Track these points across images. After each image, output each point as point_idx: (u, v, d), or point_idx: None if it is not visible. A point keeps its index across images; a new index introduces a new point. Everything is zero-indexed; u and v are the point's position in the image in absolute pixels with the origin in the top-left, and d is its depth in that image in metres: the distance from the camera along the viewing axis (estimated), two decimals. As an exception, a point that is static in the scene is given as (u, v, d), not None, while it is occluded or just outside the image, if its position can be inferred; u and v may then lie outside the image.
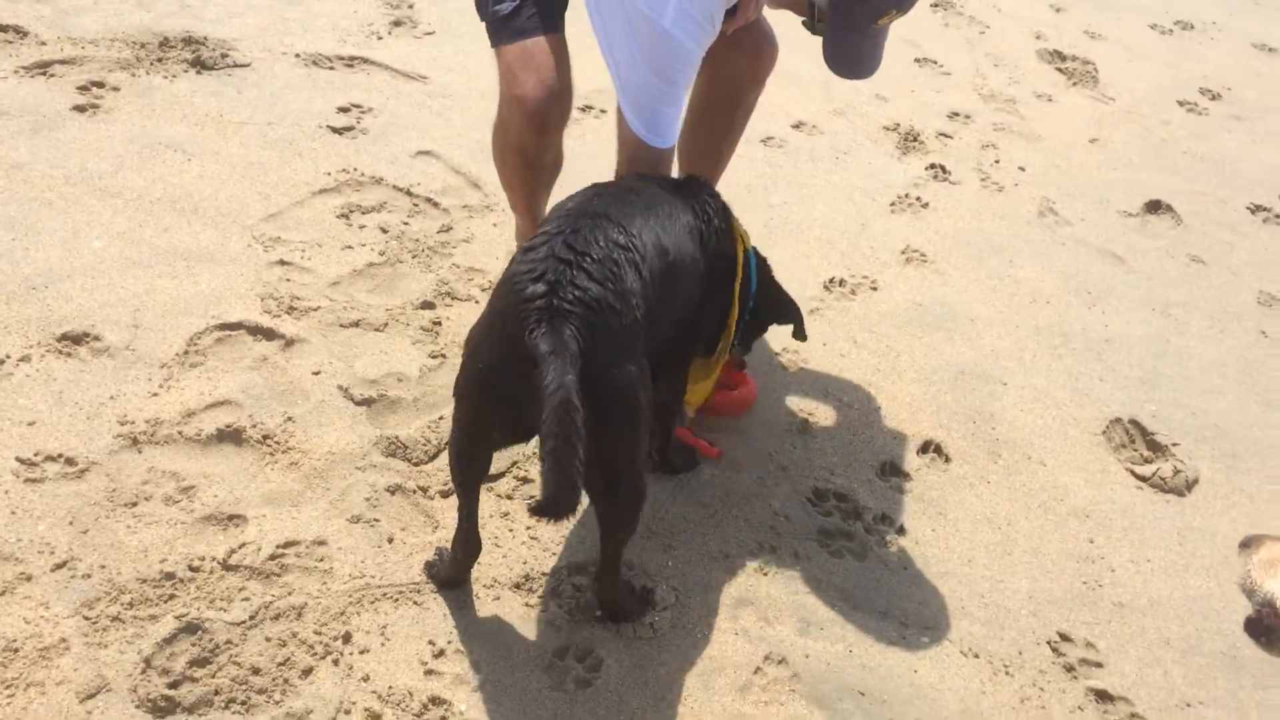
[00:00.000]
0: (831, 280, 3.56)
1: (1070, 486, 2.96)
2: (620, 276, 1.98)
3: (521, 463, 2.63)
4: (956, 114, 4.74)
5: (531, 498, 2.56)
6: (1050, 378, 3.36)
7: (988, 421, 3.12)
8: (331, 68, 4.04)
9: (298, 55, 4.04)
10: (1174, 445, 3.17)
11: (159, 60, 3.81)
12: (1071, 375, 3.38)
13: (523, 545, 2.45)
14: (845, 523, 2.69)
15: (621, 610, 2.31)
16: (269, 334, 2.84)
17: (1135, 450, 3.18)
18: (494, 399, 1.96)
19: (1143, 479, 3.06)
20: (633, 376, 1.98)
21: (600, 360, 1.87)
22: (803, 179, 4.08)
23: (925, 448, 2.98)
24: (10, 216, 3.02)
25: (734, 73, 2.98)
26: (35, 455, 2.37)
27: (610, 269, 1.96)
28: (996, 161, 4.44)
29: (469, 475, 2.16)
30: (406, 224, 3.35)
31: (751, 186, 3.95)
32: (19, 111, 3.41)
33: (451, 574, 2.31)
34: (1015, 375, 3.33)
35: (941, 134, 4.55)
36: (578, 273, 1.89)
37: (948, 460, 2.96)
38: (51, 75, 3.61)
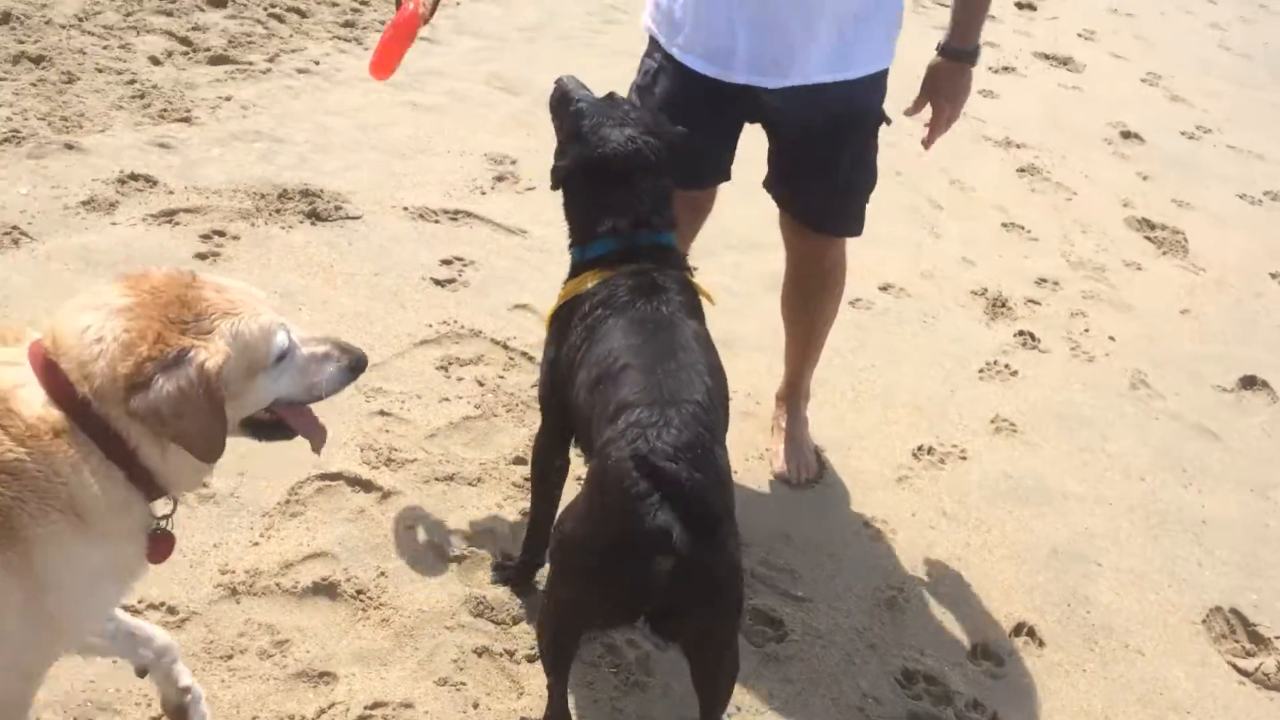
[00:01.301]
0: (920, 448, 3.55)
1: (1170, 679, 2.86)
2: (713, 460, 2.05)
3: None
4: (1044, 280, 4.76)
5: (617, 666, 2.55)
6: (1146, 560, 3.28)
7: (1083, 605, 3.05)
8: (437, 221, 4.21)
9: (406, 209, 4.22)
10: (1277, 638, 3.06)
11: (277, 211, 4.01)
12: (1168, 558, 3.31)
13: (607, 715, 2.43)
14: (936, 708, 2.62)
15: None
16: (367, 486, 2.92)
17: (1236, 642, 3.07)
18: (603, 585, 2.01)
19: (1245, 673, 2.95)
20: (737, 554, 2.07)
21: (707, 544, 1.91)
22: (890, 342, 4.11)
23: (1018, 630, 2.91)
24: (131, 360, 3.16)
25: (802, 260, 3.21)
26: (139, 603, 2.44)
27: (705, 455, 2.02)
28: (1086, 330, 4.44)
29: (565, 658, 2.21)
30: (502, 377, 3.44)
31: (839, 349, 3.98)
32: (146, 257, 3.60)
33: None
34: (1110, 556, 3.26)
35: (1030, 300, 4.57)
36: (682, 466, 1.92)
37: (1042, 645, 2.89)
38: (177, 223, 3.82)
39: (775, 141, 2.99)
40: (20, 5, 4.96)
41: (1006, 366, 4.08)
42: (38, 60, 4.58)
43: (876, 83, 2.90)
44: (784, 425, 3.42)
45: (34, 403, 1.59)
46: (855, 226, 3.13)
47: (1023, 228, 5.19)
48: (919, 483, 3.41)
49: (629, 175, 2.51)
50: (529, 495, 2.98)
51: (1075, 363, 4.21)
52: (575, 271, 2.57)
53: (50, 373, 1.61)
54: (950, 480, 3.44)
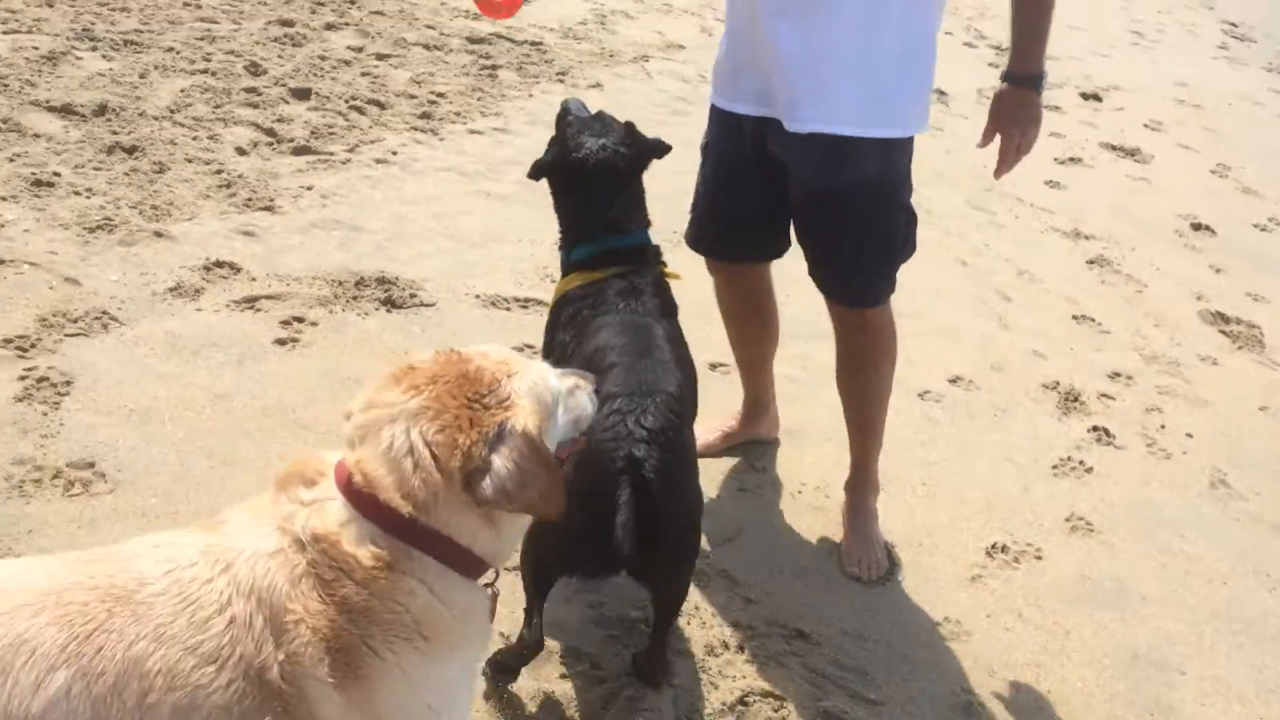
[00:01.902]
0: (994, 546, 3.49)
1: (1261, 797, 2.75)
2: (681, 441, 2.49)
3: None
4: (1118, 374, 4.69)
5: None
6: (1231, 669, 3.17)
7: (1166, 715, 2.95)
8: (508, 309, 4.28)
9: (478, 296, 4.30)
10: (1375, 756, 2.94)
11: (354, 298, 4.11)
12: (1255, 668, 3.19)
13: None
14: (1015, 822, 2.54)
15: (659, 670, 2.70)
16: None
17: (1330, 758, 2.95)
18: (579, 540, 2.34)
19: (1341, 792, 2.83)
20: (696, 511, 2.64)
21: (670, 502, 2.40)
22: (961, 436, 4.07)
23: (1099, 741, 2.83)
24: (211, 447, 3.23)
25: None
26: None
27: (675, 437, 2.43)
28: (1162, 426, 4.35)
29: (544, 589, 2.58)
30: (572, 467, 3.45)
31: (909, 441, 3.95)
32: (228, 343, 3.71)
33: (509, 660, 2.58)
34: (1193, 664, 3.16)
35: (1103, 395, 4.50)
36: (651, 449, 2.34)
37: (1124, 757, 2.79)
38: (259, 309, 3.93)
39: (793, 208, 3.05)
40: (116, 97, 5.19)
41: (1081, 463, 4.01)
42: (131, 150, 4.78)
43: (896, 149, 2.90)
44: (851, 520, 3.39)
45: (362, 538, 1.57)
46: (873, 297, 3.13)
47: (1094, 320, 5.14)
48: (993, 582, 3.34)
49: (599, 179, 2.86)
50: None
51: (1152, 460, 4.13)
52: (564, 271, 2.96)
53: (369, 504, 1.58)
54: (1025, 580, 3.37)
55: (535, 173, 2.97)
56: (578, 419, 1.87)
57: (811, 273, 3.15)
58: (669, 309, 2.85)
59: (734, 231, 3.22)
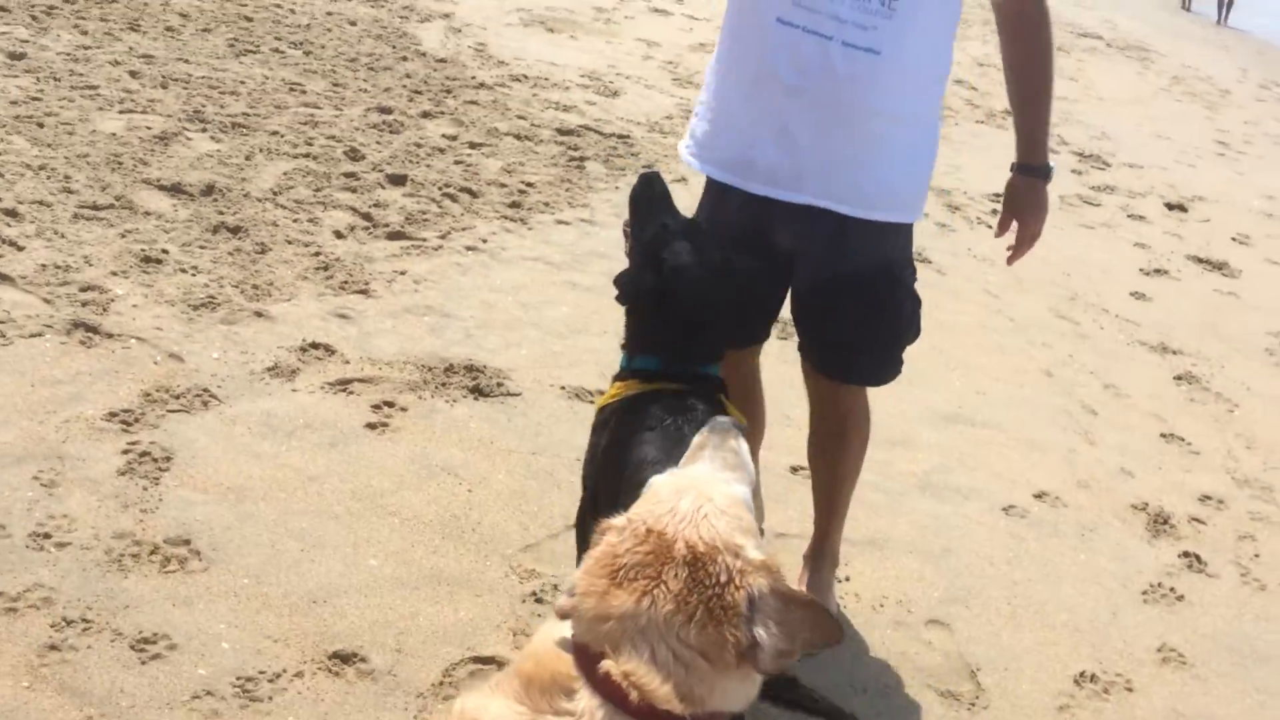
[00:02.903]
0: (1082, 674, 3.40)
1: None
2: None
3: None
4: (1209, 497, 4.58)
5: None
6: (1335, 822, 3.03)
7: None
8: (592, 401, 4.31)
9: (563, 388, 4.35)
10: None
11: (443, 385, 4.18)
12: (1360, 822, 3.05)
13: None
14: None
15: None
16: (519, 673, 2.92)
17: None
18: None
19: None
20: None
21: None
22: (1047, 555, 3.99)
23: None
24: (302, 529, 3.29)
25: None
26: (299, 781, 2.47)
27: None
28: (1256, 555, 4.23)
29: None
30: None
31: (993, 559, 3.88)
32: (321, 425, 3.78)
33: None
34: (1294, 814, 3.03)
35: (1194, 519, 4.40)
36: None
37: None
38: (351, 392, 4.01)
39: (801, 293, 3.09)
40: (223, 178, 5.39)
41: (1172, 590, 3.90)
42: (235, 230, 4.95)
43: (904, 234, 3.04)
44: (808, 589, 3.36)
45: None
46: (882, 377, 3.19)
47: (1183, 439, 5.04)
48: (1082, 714, 3.24)
49: (689, 306, 2.73)
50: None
51: (1246, 590, 4.01)
52: (620, 375, 2.87)
53: (648, 713, 1.57)
54: (1115, 714, 3.27)
55: (626, 300, 2.83)
56: (750, 474, 1.92)
57: (815, 354, 3.20)
58: None
59: (744, 319, 3.18)
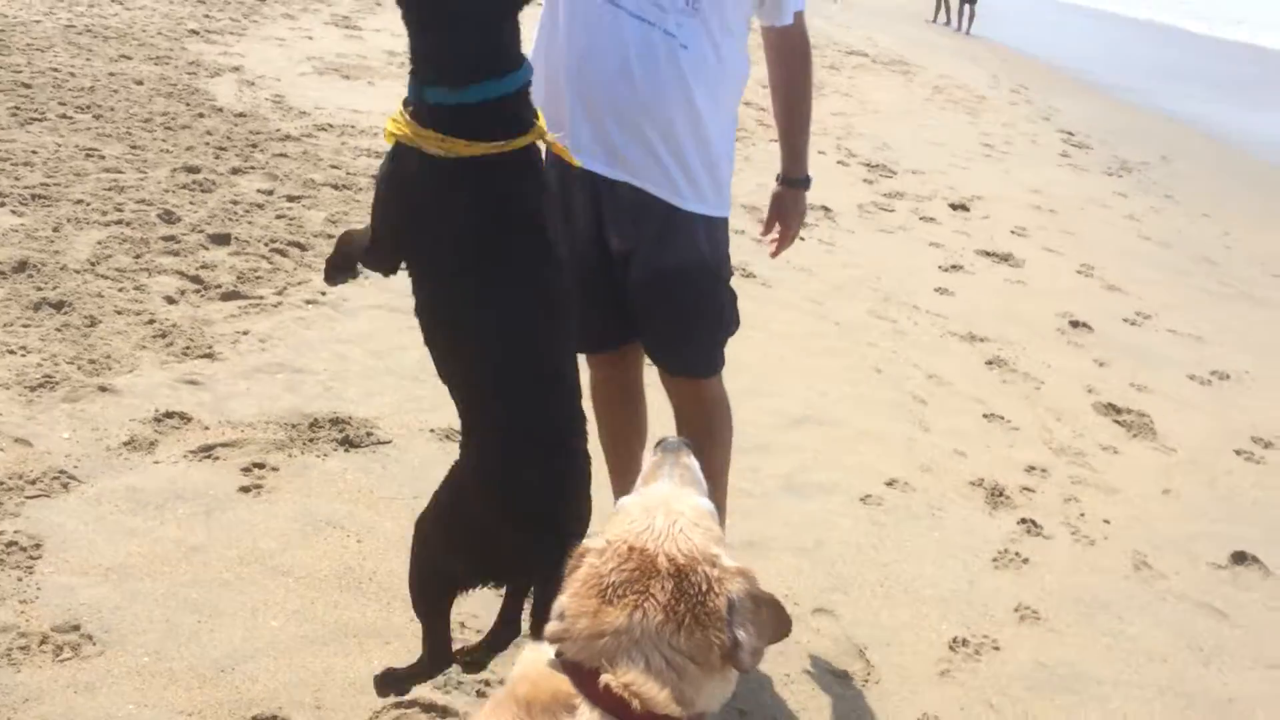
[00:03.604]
0: (954, 640, 3.68)
1: None
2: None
3: None
4: (1033, 467, 5.02)
5: None
6: (1187, 739, 3.41)
7: (1139, 788, 3.15)
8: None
9: (432, 430, 4.37)
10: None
11: (310, 440, 4.13)
12: (1206, 736, 3.44)
13: None
14: None
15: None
16: (443, 711, 2.95)
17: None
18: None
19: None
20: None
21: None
22: (905, 537, 4.29)
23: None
24: (195, 600, 3.20)
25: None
26: None
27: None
28: (1082, 515, 4.67)
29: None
30: (552, 595, 3.52)
31: (860, 546, 4.15)
32: (192, 494, 3.68)
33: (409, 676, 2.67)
34: (1153, 737, 3.38)
35: (1024, 488, 4.81)
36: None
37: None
38: (217, 458, 3.92)
39: (633, 288, 3.21)
40: (35, 253, 5.14)
41: (1017, 554, 4.27)
42: (59, 306, 4.73)
43: (721, 229, 3.24)
44: None
45: None
46: (707, 367, 3.39)
47: (1003, 418, 5.49)
48: (960, 675, 3.52)
49: None
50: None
51: (1079, 547, 4.43)
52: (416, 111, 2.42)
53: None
54: (989, 671, 3.57)
55: None
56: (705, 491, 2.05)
57: (651, 348, 3.40)
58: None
59: (603, 321, 3.29)
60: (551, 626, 1.74)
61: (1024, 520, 4.53)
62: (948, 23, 26.51)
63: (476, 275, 2.37)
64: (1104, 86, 19.97)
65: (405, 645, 3.17)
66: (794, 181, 3.48)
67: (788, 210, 3.51)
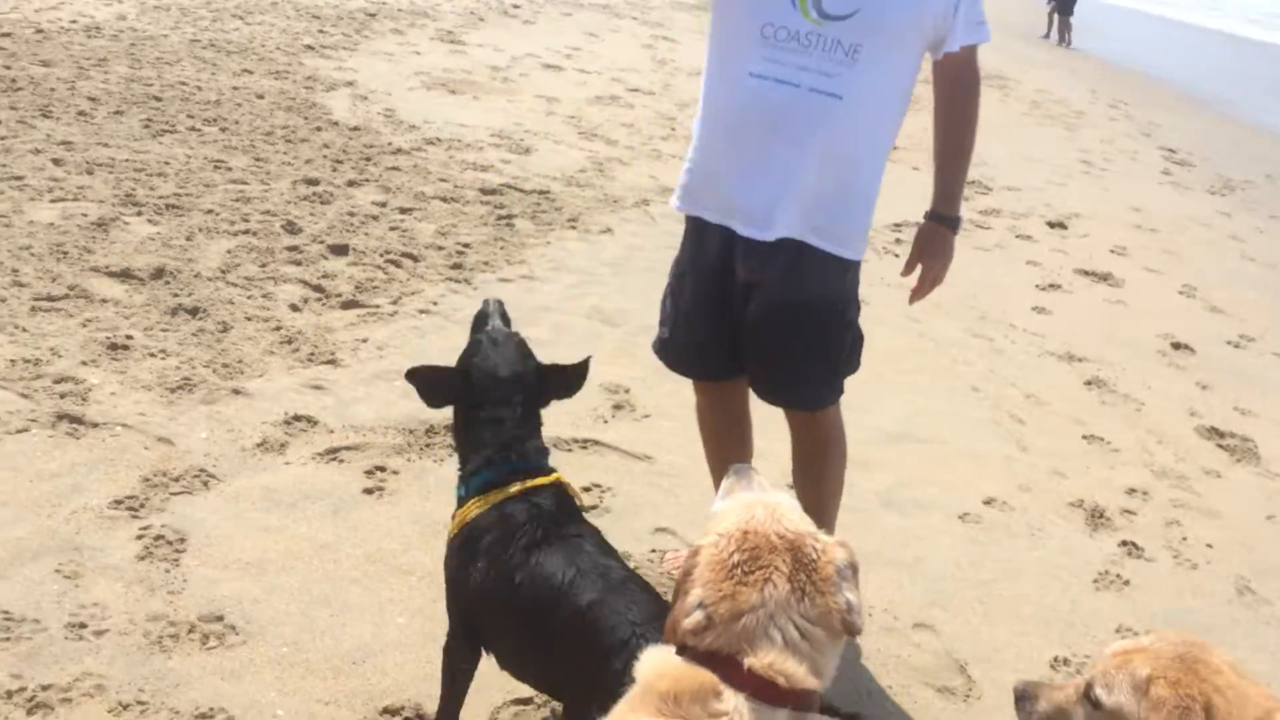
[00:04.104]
0: (1056, 659, 3.73)
1: None
2: None
3: None
4: (1134, 490, 5.01)
5: None
6: (1292, 766, 3.40)
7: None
8: (570, 450, 4.52)
9: (541, 439, 4.53)
10: None
11: (427, 445, 4.33)
12: (1312, 764, 3.42)
13: None
14: None
15: None
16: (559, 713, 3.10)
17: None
18: None
19: None
20: None
21: None
22: (1005, 555, 4.33)
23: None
24: (327, 595, 3.41)
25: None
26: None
27: None
28: (1184, 539, 4.66)
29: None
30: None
31: (959, 563, 4.20)
32: (320, 494, 3.90)
33: None
34: (1257, 763, 3.38)
35: (1125, 510, 4.81)
36: None
37: None
38: (341, 460, 4.13)
39: (751, 321, 3.27)
40: (170, 260, 5.45)
41: (1118, 576, 4.28)
42: (194, 311, 5.02)
43: (852, 270, 3.27)
44: None
45: None
46: (817, 403, 3.44)
47: (1103, 439, 5.48)
48: (1061, 694, 3.56)
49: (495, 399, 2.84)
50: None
51: (1181, 571, 4.42)
52: (462, 502, 2.88)
53: (800, 697, 1.81)
54: (1090, 691, 3.60)
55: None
56: None
57: (758, 381, 3.43)
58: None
59: (720, 351, 3.41)
60: (693, 619, 1.86)
61: (1125, 542, 4.54)
62: (1046, 36, 26.11)
63: None
64: (1206, 102, 19.52)
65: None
66: (943, 219, 3.37)
67: (934, 250, 3.39)
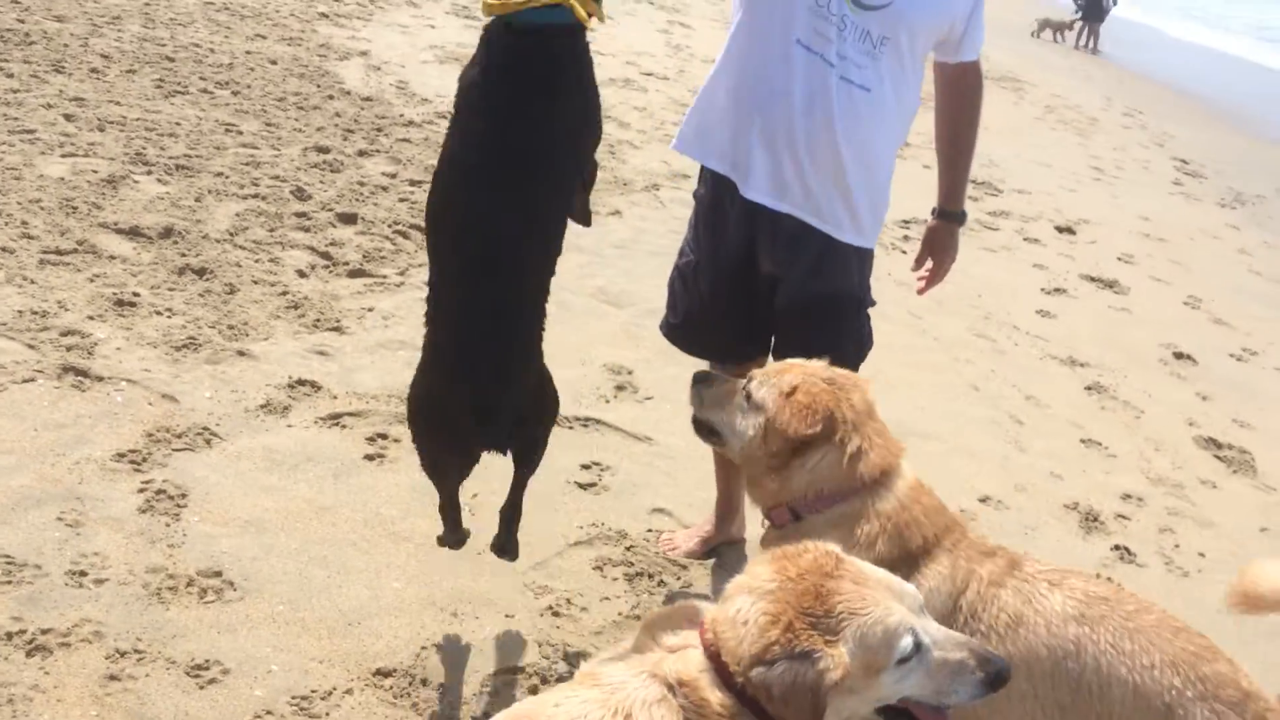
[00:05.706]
0: (1043, 657, 3.75)
1: None
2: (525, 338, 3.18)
3: None
4: (1129, 495, 5.03)
5: None
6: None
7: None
8: (571, 428, 4.54)
9: (542, 414, 4.55)
10: None
11: (430, 416, 4.34)
12: (1293, 772, 3.45)
13: None
14: None
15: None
16: (544, 677, 3.13)
17: None
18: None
19: None
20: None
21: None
22: (997, 553, 4.34)
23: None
24: (324, 556, 3.43)
25: None
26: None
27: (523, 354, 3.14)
28: (1176, 546, 4.68)
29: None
30: (663, 583, 3.68)
31: (952, 559, 4.22)
32: (322, 458, 3.92)
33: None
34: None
35: (1119, 515, 4.83)
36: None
37: None
38: (344, 426, 4.15)
39: (780, 316, 3.35)
40: (179, 221, 5.46)
41: (1109, 580, 4.30)
42: (201, 272, 5.02)
43: (863, 262, 3.34)
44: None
45: (713, 685, 1.81)
46: None
47: (1100, 444, 5.50)
48: (1048, 691, 3.59)
49: None
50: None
51: (1172, 578, 4.44)
52: None
53: (714, 660, 1.83)
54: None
55: None
56: (941, 692, 1.94)
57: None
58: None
59: (738, 334, 3.50)
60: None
61: (1118, 547, 4.56)
62: (1061, 41, 26.06)
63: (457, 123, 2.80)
64: (1220, 115, 19.48)
65: (516, 615, 3.36)
66: (950, 215, 3.50)
67: (941, 245, 3.52)
